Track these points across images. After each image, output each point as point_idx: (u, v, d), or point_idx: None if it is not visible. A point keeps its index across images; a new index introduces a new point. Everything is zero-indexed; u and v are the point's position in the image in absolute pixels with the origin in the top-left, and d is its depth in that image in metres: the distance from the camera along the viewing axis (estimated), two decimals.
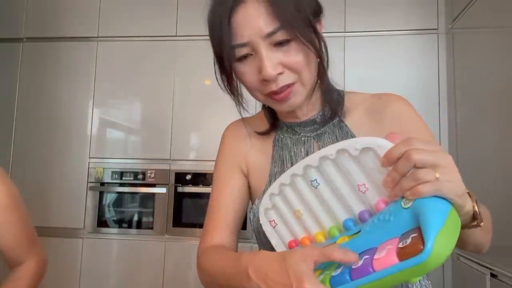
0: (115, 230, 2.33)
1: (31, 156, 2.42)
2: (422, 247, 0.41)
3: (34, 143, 2.43)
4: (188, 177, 2.29)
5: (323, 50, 0.65)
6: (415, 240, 0.42)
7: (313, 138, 0.73)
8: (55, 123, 2.43)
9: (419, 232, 0.43)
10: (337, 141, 0.70)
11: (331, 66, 0.69)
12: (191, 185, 2.28)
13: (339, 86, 0.76)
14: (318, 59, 0.65)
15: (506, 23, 1.56)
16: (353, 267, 0.47)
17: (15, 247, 0.90)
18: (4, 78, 2.50)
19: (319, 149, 0.69)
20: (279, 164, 0.74)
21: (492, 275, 1.54)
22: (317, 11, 0.66)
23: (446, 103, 2.12)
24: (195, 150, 2.33)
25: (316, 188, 0.59)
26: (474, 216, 0.52)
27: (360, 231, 0.53)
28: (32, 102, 2.47)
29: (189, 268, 2.24)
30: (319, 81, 0.69)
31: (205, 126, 2.32)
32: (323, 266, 0.53)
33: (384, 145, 0.52)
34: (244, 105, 0.73)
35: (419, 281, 0.70)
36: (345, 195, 0.58)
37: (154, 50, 2.41)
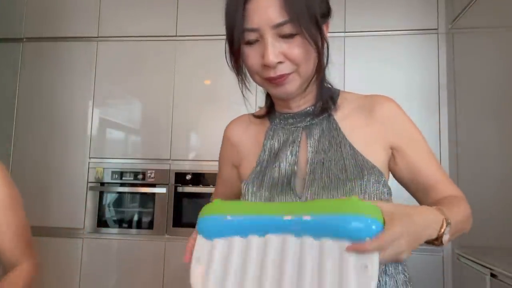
0: (115, 230, 2.33)
1: (31, 156, 2.42)
2: None
3: (34, 143, 2.43)
4: (188, 177, 2.29)
5: (324, 49, 0.70)
6: None
7: (302, 128, 0.77)
8: (55, 123, 2.43)
9: None
10: (323, 132, 0.75)
11: (330, 68, 0.74)
12: (191, 185, 2.28)
13: (337, 87, 0.80)
14: (318, 57, 0.69)
15: (506, 23, 1.56)
16: None
17: (13, 248, 0.90)
18: (4, 78, 2.50)
19: (306, 138, 0.75)
20: (268, 152, 0.79)
21: (492, 275, 1.54)
22: (326, 14, 0.71)
23: (446, 103, 2.12)
24: (195, 150, 2.33)
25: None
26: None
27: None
28: (32, 102, 2.47)
29: (189, 268, 2.24)
30: (315, 77, 0.73)
31: (205, 126, 2.32)
32: None
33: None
34: (247, 85, 0.78)
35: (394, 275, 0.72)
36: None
37: (154, 50, 2.41)
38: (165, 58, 2.39)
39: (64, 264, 2.32)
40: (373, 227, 0.53)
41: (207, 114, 2.31)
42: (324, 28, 0.70)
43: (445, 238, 0.60)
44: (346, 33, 2.23)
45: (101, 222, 2.34)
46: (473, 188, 1.77)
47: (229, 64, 0.75)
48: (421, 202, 0.76)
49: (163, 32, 2.41)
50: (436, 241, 0.60)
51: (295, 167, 0.73)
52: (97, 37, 2.46)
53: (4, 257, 0.90)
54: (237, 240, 0.61)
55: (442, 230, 0.59)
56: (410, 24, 2.20)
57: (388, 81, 2.17)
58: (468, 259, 1.78)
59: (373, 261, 0.51)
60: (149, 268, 2.26)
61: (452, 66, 2.08)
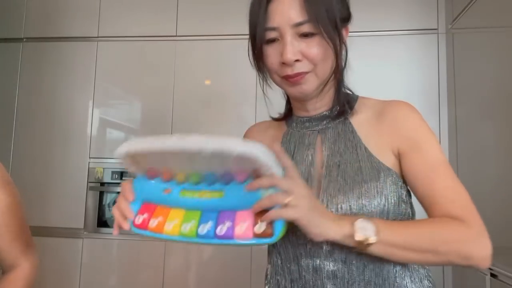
0: None
1: (31, 156, 2.42)
2: (272, 234, 0.59)
3: (34, 143, 2.43)
4: None
5: (342, 52, 0.72)
6: (268, 228, 0.59)
7: (318, 131, 0.77)
8: (55, 123, 2.43)
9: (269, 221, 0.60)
10: (339, 135, 0.75)
11: (349, 72, 0.76)
12: None
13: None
14: (335, 59, 0.71)
15: (506, 23, 1.56)
16: (217, 231, 0.61)
17: (12, 249, 0.90)
18: (4, 78, 2.50)
19: (322, 142, 0.75)
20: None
21: (492, 275, 1.54)
22: (346, 18, 0.74)
23: (446, 103, 2.12)
24: None
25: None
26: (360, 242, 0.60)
27: (221, 191, 0.64)
28: (32, 102, 2.47)
29: (189, 268, 2.24)
30: (332, 79, 0.74)
31: (205, 126, 2.32)
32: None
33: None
34: (268, 82, 0.79)
35: (421, 281, 0.72)
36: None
37: (154, 50, 2.41)
38: (165, 58, 2.39)
39: (64, 264, 2.32)
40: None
41: (207, 114, 2.31)
42: (344, 32, 0.73)
43: (362, 234, 0.59)
44: None
45: (101, 222, 2.34)
46: (472, 188, 1.76)
47: (252, 62, 0.77)
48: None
49: (163, 32, 2.41)
50: (362, 244, 0.59)
51: (311, 170, 0.73)
52: (97, 37, 2.46)
53: (3, 257, 0.90)
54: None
55: (355, 227, 0.59)
56: (410, 24, 2.20)
57: (388, 81, 2.17)
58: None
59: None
60: (149, 268, 2.26)
61: (452, 66, 2.08)
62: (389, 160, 0.71)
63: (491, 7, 1.70)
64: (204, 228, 0.62)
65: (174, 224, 0.64)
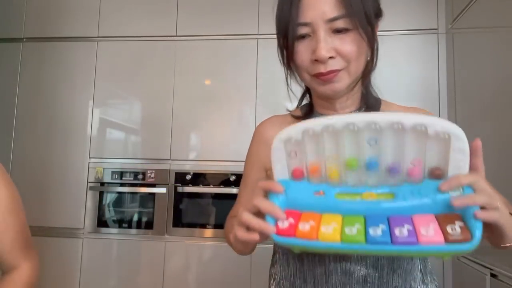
0: (115, 230, 2.33)
1: (31, 156, 2.42)
2: (471, 238, 0.47)
3: (34, 143, 2.43)
4: (188, 177, 2.29)
5: (375, 48, 0.69)
6: (464, 231, 0.48)
7: None
8: (55, 123, 2.43)
9: (464, 223, 0.49)
10: None
11: (375, 72, 0.73)
12: (191, 185, 2.28)
13: (380, 94, 0.79)
14: (369, 57, 0.68)
15: (506, 23, 1.56)
16: (396, 234, 0.48)
17: (12, 250, 0.89)
18: (4, 78, 2.50)
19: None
20: None
21: (492, 275, 1.54)
22: (378, 14, 0.71)
23: (446, 103, 2.12)
24: (195, 150, 2.33)
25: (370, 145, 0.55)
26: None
27: (391, 194, 0.53)
28: (32, 102, 2.47)
29: (189, 268, 2.24)
30: (362, 79, 0.71)
31: (205, 126, 2.32)
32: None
33: (460, 136, 0.51)
34: (296, 79, 0.74)
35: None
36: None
37: (154, 50, 2.41)
38: (165, 58, 2.39)
39: (64, 264, 2.32)
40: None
41: (207, 114, 2.31)
42: (375, 28, 0.70)
43: None
44: None
45: (101, 222, 2.34)
46: None
47: (280, 59, 0.73)
48: None
49: (163, 32, 2.41)
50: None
51: None
52: (97, 37, 2.46)
53: (3, 258, 0.90)
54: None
55: None
56: (410, 24, 2.20)
57: (388, 81, 2.17)
58: (468, 259, 1.78)
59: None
60: (149, 268, 2.26)
61: (452, 66, 2.08)
62: None
63: (491, 7, 1.70)
64: (377, 231, 0.49)
65: (334, 227, 0.51)
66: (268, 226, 0.53)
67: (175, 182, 2.30)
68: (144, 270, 2.27)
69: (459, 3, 1.98)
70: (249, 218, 0.54)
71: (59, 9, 2.52)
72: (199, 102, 2.33)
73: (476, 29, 1.85)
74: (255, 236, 0.55)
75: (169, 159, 2.33)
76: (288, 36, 0.67)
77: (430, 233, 0.48)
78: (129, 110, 2.43)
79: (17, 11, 2.54)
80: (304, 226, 0.52)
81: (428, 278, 0.71)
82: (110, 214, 2.36)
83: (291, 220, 0.53)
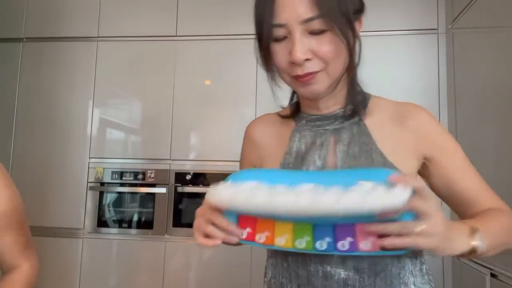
0: (115, 230, 2.33)
1: (31, 156, 2.42)
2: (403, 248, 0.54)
3: (34, 143, 2.43)
4: (188, 177, 2.29)
5: (356, 47, 0.67)
6: None
7: (331, 132, 0.73)
8: (55, 123, 2.43)
9: None
10: (353, 137, 0.71)
11: (362, 67, 0.71)
12: (191, 185, 2.28)
13: (368, 89, 0.78)
14: (349, 55, 0.66)
15: (506, 23, 1.56)
16: (339, 247, 0.58)
17: (12, 250, 0.89)
18: (4, 78, 2.50)
19: (335, 143, 0.71)
20: (294, 155, 0.74)
21: (492, 275, 1.54)
22: (359, 10, 0.69)
23: (446, 103, 2.12)
24: (195, 150, 2.33)
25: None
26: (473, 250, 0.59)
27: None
28: (32, 102, 2.47)
29: (189, 268, 2.24)
30: (346, 77, 0.70)
31: (205, 126, 2.32)
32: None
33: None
34: (277, 82, 0.74)
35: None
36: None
37: (154, 50, 2.41)
38: (165, 58, 2.39)
39: (64, 264, 2.32)
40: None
41: (207, 114, 2.31)
42: (357, 25, 0.68)
43: (480, 244, 0.58)
44: None
45: (101, 222, 2.34)
46: None
47: (259, 61, 0.71)
48: (461, 216, 0.73)
49: (163, 32, 2.41)
50: (471, 254, 0.59)
51: None
52: (97, 37, 2.46)
53: (3, 258, 0.90)
54: (265, 184, 0.60)
55: (474, 238, 0.58)
56: (410, 24, 2.20)
57: (388, 81, 2.17)
58: (468, 259, 1.78)
59: (404, 192, 0.50)
60: (149, 268, 2.26)
61: (452, 66, 2.08)
62: (407, 165, 0.69)
63: (491, 7, 1.70)
64: (323, 245, 0.58)
65: (286, 238, 0.60)
66: (232, 238, 0.62)
67: (175, 182, 2.30)
68: (144, 270, 2.27)
69: (459, 3, 1.98)
70: (213, 231, 0.63)
71: (59, 9, 2.52)
72: (199, 102, 2.33)
73: (476, 29, 1.85)
74: (216, 243, 0.63)
75: (169, 159, 2.33)
76: (263, 38, 0.66)
77: (368, 246, 0.56)
78: (129, 110, 2.43)
79: (17, 11, 2.54)
80: (261, 238, 0.62)
81: (423, 279, 0.70)
82: (110, 214, 2.36)
83: (248, 229, 0.62)
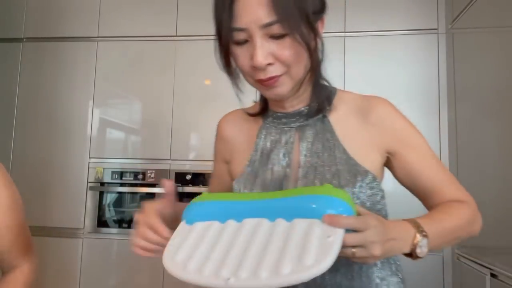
0: (115, 230, 2.33)
1: (31, 156, 2.42)
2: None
3: (34, 143, 2.43)
4: (188, 177, 2.29)
5: (319, 48, 0.67)
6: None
7: (295, 129, 0.74)
8: (55, 123, 2.43)
9: None
10: (317, 135, 0.72)
11: (328, 65, 0.71)
12: (191, 185, 2.28)
13: (336, 85, 0.77)
14: (310, 57, 0.66)
15: (506, 23, 1.56)
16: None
17: (12, 250, 0.89)
18: (4, 78, 2.50)
19: (299, 141, 0.73)
20: (260, 152, 0.76)
21: (492, 275, 1.54)
22: (320, 10, 0.67)
23: (446, 103, 2.12)
24: (195, 150, 2.33)
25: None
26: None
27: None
28: (32, 102, 2.47)
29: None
30: (309, 77, 0.70)
31: (205, 126, 2.32)
32: None
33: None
34: (239, 86, 0.75)
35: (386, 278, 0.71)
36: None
37: (154, 50, 2.41)
38: (165, 58, 2.39)
39: (64, 264, 2.32)
40: (340, 208, 0.55)
41: (207, 114, 2.31)
42: (319, 24, 0.67)
43: (420, 250, 0.59)
44: (346, 33, 2.23)
45: (101, 222, 2.34)
46: (473, 188, 1.76)
47: (220, 65, 0.71)
48: (426, 207, 0.74)
49: (163, 32, 2.41)
50: (411, 255, 0.60)
51: (288, 170, 0.71)
52: (97, 37, 2.46)
53: (3, 258, 0.90)
54: (215, 224, 0.63)
55: (416, 242, 0.58)
56: (410, 24, 2.20)
57: (388, 81, 2.17)
58: (468, 259, 1.78)
59: (337, 233, 0.52)
60: (149, 268, 2.26)
61: (452, 66, 2.08)
62: (371, 160, 0.70)
63: (491, 7, 1.70)
64: None
65: None
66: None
67: (175, 182, 2.30)
68: (144, 270, 2.27)
69: (459, 3, 1.98)
70: (148, 245, 0.68)
71: (59, 9, 2.52)
72: (199, 102, 2.33)
73: (476, 29, 1.85)
74: (151, 255, 0.68)
75: (169, 159, 2.33)
76: (222, 40, 0.65)
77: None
78: (129, 110, 2.43)
79: (17, 11, 2.54)
80: None
81: (390, 270, 0.70)
82: (110, 214, 2.36)
83: None
